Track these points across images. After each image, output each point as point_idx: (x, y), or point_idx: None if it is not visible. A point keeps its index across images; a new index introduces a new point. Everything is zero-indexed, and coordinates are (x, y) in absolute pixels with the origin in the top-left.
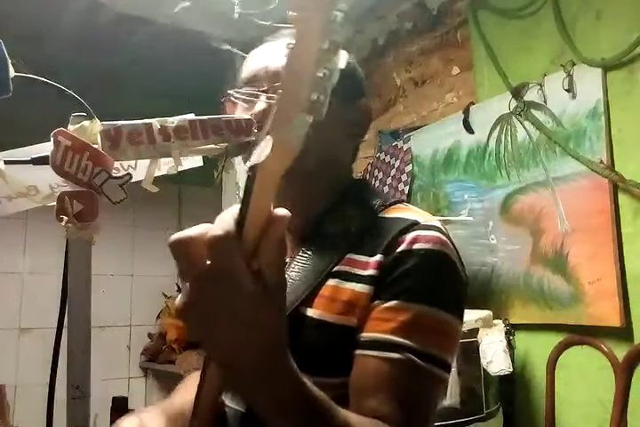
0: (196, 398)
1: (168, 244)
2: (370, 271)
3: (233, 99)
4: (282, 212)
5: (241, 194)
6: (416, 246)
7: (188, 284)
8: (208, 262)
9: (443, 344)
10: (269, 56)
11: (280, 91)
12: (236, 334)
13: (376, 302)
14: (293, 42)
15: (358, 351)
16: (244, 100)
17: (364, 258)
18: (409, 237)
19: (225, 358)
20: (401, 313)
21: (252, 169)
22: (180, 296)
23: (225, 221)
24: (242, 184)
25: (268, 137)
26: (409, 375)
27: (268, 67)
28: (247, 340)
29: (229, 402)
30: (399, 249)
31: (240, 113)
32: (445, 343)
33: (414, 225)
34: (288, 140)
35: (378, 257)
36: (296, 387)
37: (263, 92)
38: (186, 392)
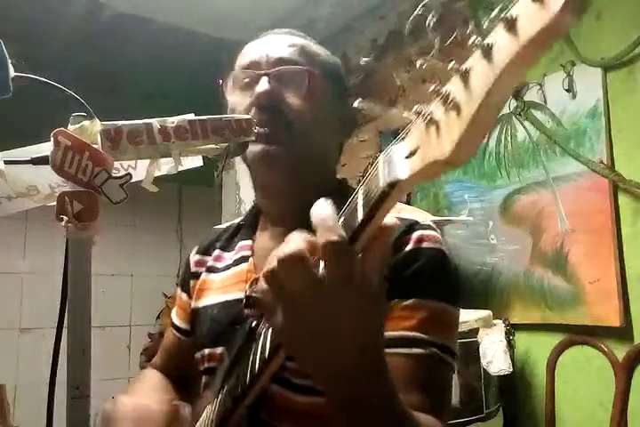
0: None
1: (279, 261)
2: None
3: (232, 81)
4: (392, 223)
5: (241, 194)
6: (424, 245)
7: (296, 297)
8: (324, 269)
9: (452, 336)
10: (269, 45)
11: (468, 115)
12: (355, 335)
13: (394, 302)
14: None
15: None
16: (244, 83)
17: None
18: (414, 236)
19: (336, 360)
20: (419, 310)
21: (393, 183)
22: (280, 315)
23: (331, 225)
24: (242, 184)
25: (403, 150)
26: (436, 369)
27: (269, 54)
28: (363, 340)
29: None
30: (407, 248)
31: (239, 95)
32: (455, 335)
33: (415, 224)
34: (456, 164)
35: None
36: (389, 383)
37: (264, 75)
38: (148, 382)
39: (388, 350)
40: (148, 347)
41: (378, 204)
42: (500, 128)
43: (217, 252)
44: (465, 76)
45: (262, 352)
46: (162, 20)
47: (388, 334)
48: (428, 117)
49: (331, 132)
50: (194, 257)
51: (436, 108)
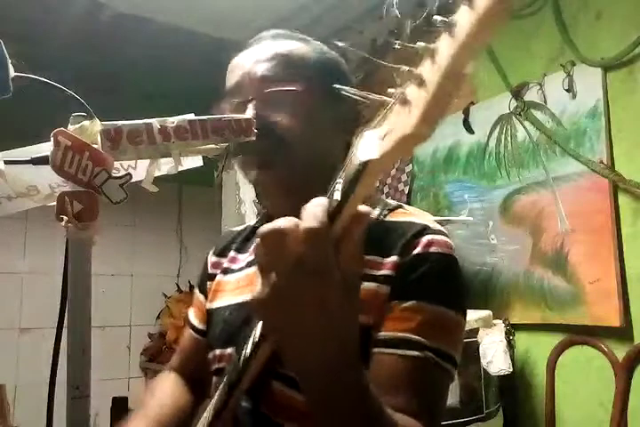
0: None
1: (260, 236)
2: (385, 271)
3: (222, 108)
4: (365, 210)
5: (241, 194)
6: (432, 249)
7: (272, 276)
8: (301, 253)
9: (455, 344)
10: (251, 63)
11: (432, 87)
12: (321, 323)
13: (395, 302)
14: (464, 38)
15: (377, 349)
16: (233, 109)
17: (376, 258)
18: (424, 240)
19: (307, 344)
20: (420, 313)
21: (364, 164)
22: (258, 289)
23: (317, 213)
24: (242, 184)
25: (377, 133)
26: (429, 373)
27: (252, 74)
28: (332, 328)
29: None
30: (416, 251)
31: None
32: (457, 343)
33: (426, 229)
34: (421, 137)
35: (394, 258)
36: (362, 381)
37: (249, 101)
38: (162, 395)
39: (383, 350)
40: (148, 347)
41: (353, 186)
42: (500, 128)
43: (232, 253)
44: (433, 55)
45: (255, 336)
46: (162, 20)
47: (385, 334)
48: (402, 98)
49: (331, 137)
50: (211, 258)
51: (409, 89)
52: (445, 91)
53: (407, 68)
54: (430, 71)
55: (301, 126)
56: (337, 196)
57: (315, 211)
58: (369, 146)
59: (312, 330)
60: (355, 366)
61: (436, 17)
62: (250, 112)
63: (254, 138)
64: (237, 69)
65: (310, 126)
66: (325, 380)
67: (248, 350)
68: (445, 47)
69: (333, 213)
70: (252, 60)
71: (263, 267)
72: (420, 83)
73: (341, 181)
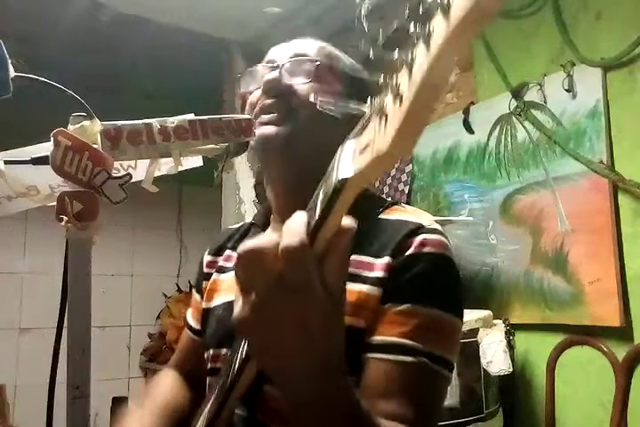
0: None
1: (239, 255)
2: (377, 273)
3: (248, 75)
4: (349, 224)
5: (241, 194)
6: (425, 250)
7: (253, 294)
8: (281, 272)
9: (450, 346)
10: (287, 44)
11: (408, 101)
12: (302, 343)
13: (388, 306)
14: (438, 48)
15: (370, 355)
16: (259, 76)
17: (368, 259)
18: (417, 240)
19: (287, 363)
20: (413, 317)
21: (342, 182)
22: (239, 308)
23: (296, 230)
24: (242, 184)
25: (358, 144)
26: (423, 378)
27: (286, 50)
28: (313, 347)
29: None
30: (408, 252)
31: (254, 87)
32: (452, 345)
33: (420, 228)
34: (396, 156)
35: (386, 259)
36: (350, 397)
37: (276, 67)
38: (162, 392)
39: (376, 356)
40: (148, 347)
41: (331, 203)
42: (500, 128)
43: (227, 252)
44: (410, 66)
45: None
46: (162, 20)
47: (379, 338)
48: (381, 110)
49: (337, 128)
50: (206, 258)
51: (387, 101)
52: (422, 104)
53: (385, 76)
54: (406, 84)
55: (313, 109)
56: (319, 209)
57: (294, 228)
58: (347, 161)
59: (293, 349)
60: (341, 382)
61: (411, 28)
62: (271, 74)
63: (268, 103)
64: (273, 49)
65: (320, 113)
66: (310, 398)
67: (237, 365)
68: (421, 59)
69: (315, 229)
70: (288, 43)
71: (243, 285)
72: (397, 95)
73: (322, 193)
